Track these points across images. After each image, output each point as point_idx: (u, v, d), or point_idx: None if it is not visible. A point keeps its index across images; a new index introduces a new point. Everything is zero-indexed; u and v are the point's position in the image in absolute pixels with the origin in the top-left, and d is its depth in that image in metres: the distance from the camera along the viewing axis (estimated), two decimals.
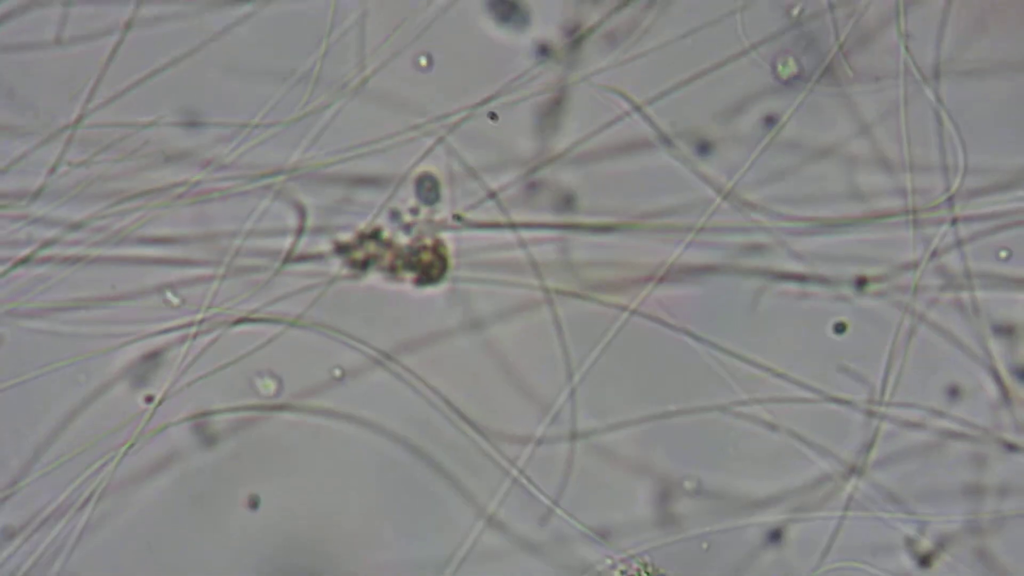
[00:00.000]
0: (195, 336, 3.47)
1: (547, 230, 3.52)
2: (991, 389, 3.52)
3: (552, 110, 3.51)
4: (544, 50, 3.50)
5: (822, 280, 3.51)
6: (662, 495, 3.52)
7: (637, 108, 3.50)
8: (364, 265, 3.51)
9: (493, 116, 3.41)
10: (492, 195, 3.50)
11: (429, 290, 3.52)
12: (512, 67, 3.51)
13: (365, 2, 3.49)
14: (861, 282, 3.50)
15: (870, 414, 3.50)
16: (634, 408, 3.52)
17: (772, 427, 3.50)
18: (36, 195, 3.46)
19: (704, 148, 3.52)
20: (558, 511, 3.48)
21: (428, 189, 3.50)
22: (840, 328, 3.48)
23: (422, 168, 3.51)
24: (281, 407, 3.51)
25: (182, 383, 3.47)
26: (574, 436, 3.50)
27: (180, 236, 3.49)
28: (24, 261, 3.46)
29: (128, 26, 3.46)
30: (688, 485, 3.51)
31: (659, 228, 3.51)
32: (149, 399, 3.46)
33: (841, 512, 3.50)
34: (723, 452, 3.51)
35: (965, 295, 3.50)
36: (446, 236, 3.51)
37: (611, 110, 3.51)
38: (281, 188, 3.49)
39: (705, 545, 3.50)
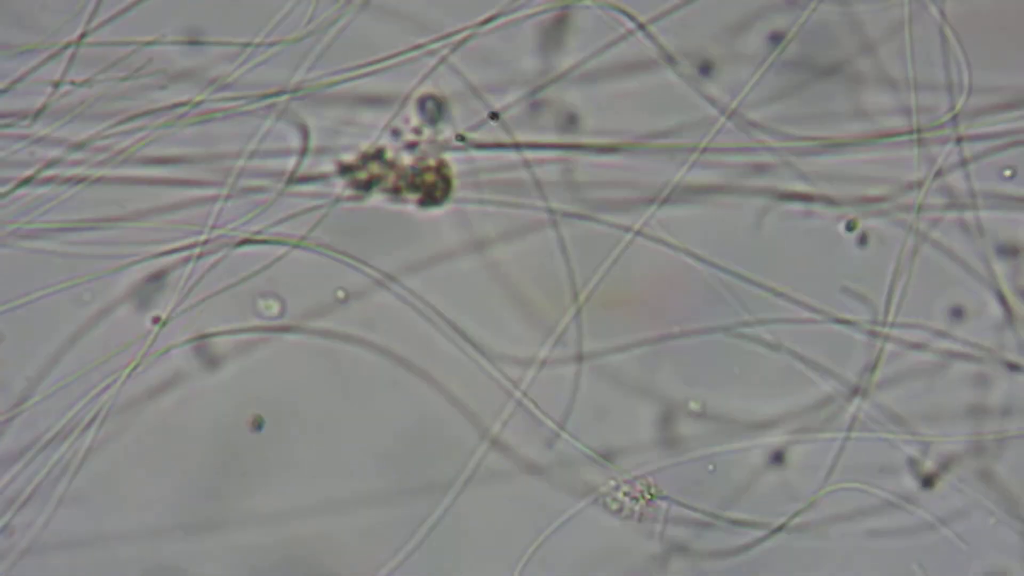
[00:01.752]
0: (199, 257, 3.47)
1: (551, 150, 3.51)
2: (995, 309, 3.51)
3: (555, 29, 3.50)
4: None
5: (827, 200, 3.51)
6: (665, 417, 3.52)
7: (640, 27, 3.49)
8: (368, 186, 3.50)
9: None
10: (495, 115, 3.49)
11: (433, 211, 3.51)
12: None
13: None
14: (850, 226, 3.50)
15: (873, 335, 3.50)
16: (637, 330, 3.52)
17: (775, 348, 3.50)
18: (38, 114, 3.45)
19: (707, 68, 3.51)
20: (563, 434, 3.48)
21: (431, 110, 3.49)
22: (851, 226, 3.48)
23: (424, 89, 3.50)
24: (284, 328, 3.51)
25: (186, 304, 3.47)
26: (580, 358, 3.50)
27: (183, 156, 3.49)
28: (27, 181, 3.45)
29: None
30: (694, 406, 3.51)
31: (663, 148, 3.50)
32: (156, 320, 3.46)
33: (844, 433, 3.50)
34: (726, 374, 3.52)
35: (969, 215, 3.50)
36: (449, 157, 3.50)
37: (614, 29, 3.50)
38: (284, 108, 3.48)
39: (712, 466, 3.50)
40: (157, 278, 3.48)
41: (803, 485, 3.51)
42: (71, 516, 3.47)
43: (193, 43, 3.48)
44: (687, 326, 3.51)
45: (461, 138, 3.50)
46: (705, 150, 3.50)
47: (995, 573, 3.51)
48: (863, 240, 3.46)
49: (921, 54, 3.49)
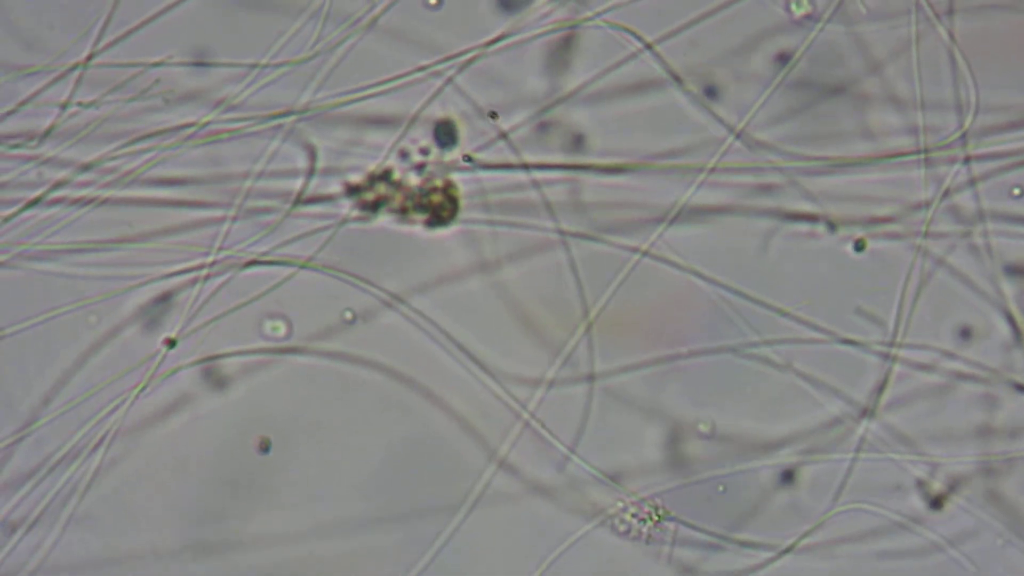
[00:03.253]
0: (206, 278, 3.47)
1: (558, 171, 3.51)
2: (1003, 329, 3.51)
3: (562, 49, 3.50)
4: None
5: (834, 220, 3.50)
6: (673, 437, 3.51)
7: (648, 47, 3.49)
8: (375, 207, 3.50)
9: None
10: (503, 135, 3.50)
11: (440, 231, 3.51)
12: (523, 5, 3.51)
13: None
14: (859, 246, 3.49)
15: (882, 356, 3.49)
16: (645, 351, 3.52)
17: (783, 368, 3.49)
18: (46, 135, 3.46)
19: (713, 90, 3.51)
20: (573, 457, 3.48)
21: (446, 134, 3.49)
22: (860, 246, 3.48)
23: (438, 113, 3.50)
24: (291, 350, 3.51)
25: (193, 326, 3.47)
26: (592, 378, 3.49)
27: (191, 177, 3.49)
28: (34, 202, 3.46)
29: None
30: (703, 427, 3.51)
31: (670, 168, 3.50)
32: (167, 341, 3.46)
33: (853, 454, 3.49)
34: (735, 394, 3.51)
35: (978, 235, 3.50)
36: (456, 177, 3.50)
37: (622, 49, 3.50)
38: (291, 129, 3.48)
39: (721, 487, 3.50)
40: (164, 299, 3.48)
41: (813, 505, 3.50)
42: (79, 537, 3.47)
43: (200, 64, 3.48)
44: (695, 346, 3.51)
45: (468, 159, 3.50)
46: (712, 170, 3.49)
47: None
48: (860, 247, 3.46)
49: (928, 73, 3.49)
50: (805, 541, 3.48)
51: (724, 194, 3.51)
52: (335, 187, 3.51)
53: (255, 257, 3.48)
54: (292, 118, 3.48)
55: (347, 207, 3.50)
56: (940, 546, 3.49)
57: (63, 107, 3.45)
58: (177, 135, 3.47)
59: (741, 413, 3.51)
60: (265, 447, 3.50)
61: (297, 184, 3.50)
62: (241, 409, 3.51)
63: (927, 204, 3.49)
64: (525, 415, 3.47)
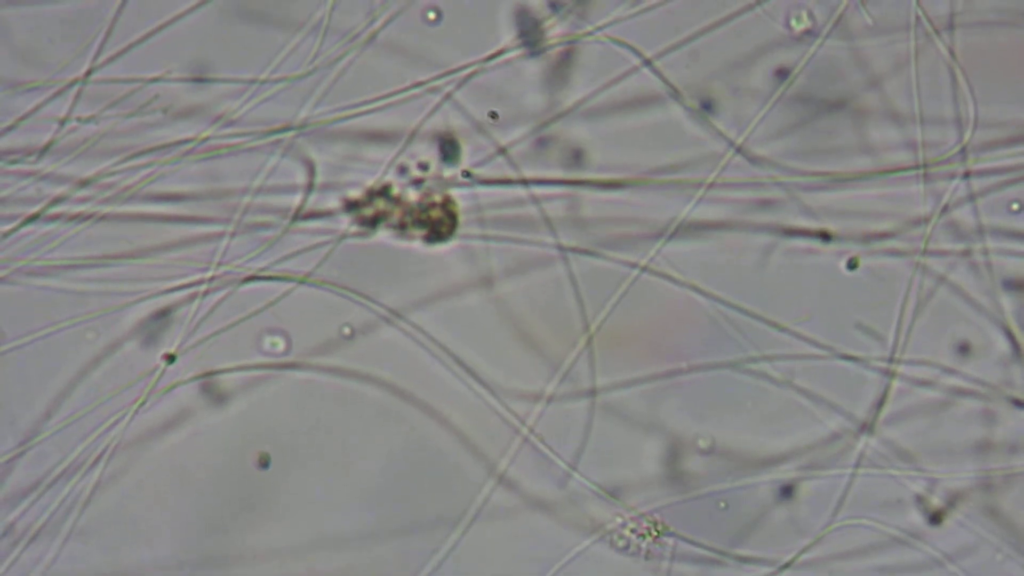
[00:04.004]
0: (205, 294, 3.47)
1: (557, 186, 3.51)
2: (1002, 345, 3.51)
3: (561, 64, 3.50)
4: (554, 4, 3.49)
5: (828, 232, 3.50)
6: (672, 453, 3.52)
7: (647, 62, 3.49)
8: (374, 222, 3.50)
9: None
10: (502, 151, 3.49)
11: (439, 247, 3.51)
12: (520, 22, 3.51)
13: None
14: (852, 264, 3.49)
15: (881, 371, 3.49)
16: (643, 366, 3.52)
17: (782, 384, 3.49)
18: (45, 151, 3.46)
19: (710, 105, 3.51)
20: (573, 473, 3.48)
21: (450, 151, 3.49)
22: (853, 264, 3.48)
23: (436, 127, 3.50)
24: (290, 365, 3.51)
25: (192, 341, 3.47)
26: (593, 392, 3.49)
27: (189, 193, 3.49)
28: (33, 218, 3.46)
29: None
30: (702, 443, 3.51)
31: (669, 184, 3.50)
32: (166, 357, 3.46)
33: (852, 469, 3.49)
34: (734, 409, 3.51)
35: (976, 250, 3.49)
36: (455, 193, 3.50)
37: (621, 64, 3.50)
38: (290, 144, 3.48)
39: (723, 504, 3.50)
40: (163, 315, 3.48)
41: (812, 521, 3.51)
42: (79, 551, 3.48)
43: (199, 80, 3.48)
44: (695, 362, 3.51)
45: (467, 174, 3.50)
46: (711, 185, 3.49)
47: None
48: (853, 265, 3.46)
49: (927, 88, 3.48)
50: (804, 556, 3.48)
51: (723, 209, 3.51)
52: (334, 202, 3.51)
53: (254, 272, 3.48)
54: (291, 133, 3.48)
55: (346, 222, 3.50)
56: (939, 561, 3.49)
57: (62, 122, 3.45)
58: (176, 150, 3.47)
59: (740, 428, 3.51)
60: (264, 463, 3.50)
61: (296, 199, 3.50)
62: (240, 424, 3.51)
63: (926, 219, 3.48)
64: (524, 430, 3.48)
